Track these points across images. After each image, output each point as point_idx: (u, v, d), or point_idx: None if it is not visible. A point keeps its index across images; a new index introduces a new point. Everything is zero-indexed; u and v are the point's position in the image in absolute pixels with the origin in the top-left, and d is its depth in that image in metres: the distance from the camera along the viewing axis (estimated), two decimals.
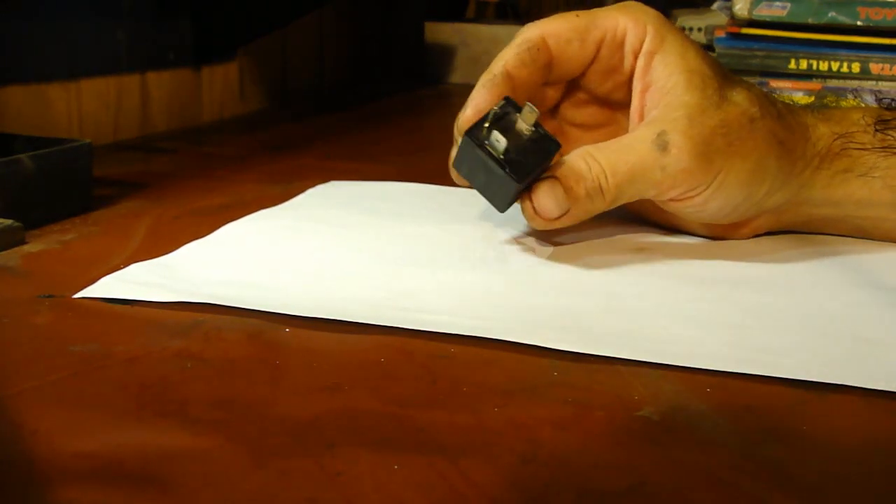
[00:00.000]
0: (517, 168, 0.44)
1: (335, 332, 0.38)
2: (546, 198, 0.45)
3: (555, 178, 0.45)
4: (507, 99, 0.45)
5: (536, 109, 0.44)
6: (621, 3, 0.49)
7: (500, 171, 0.44)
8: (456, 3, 1.38)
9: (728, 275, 0.46)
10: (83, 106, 0.75)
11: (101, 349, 0.36)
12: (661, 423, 0.31)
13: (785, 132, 0.47)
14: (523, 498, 0.27)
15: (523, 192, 0.46)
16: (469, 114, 0.46)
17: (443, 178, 0.62)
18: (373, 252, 0.48)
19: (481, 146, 0.44)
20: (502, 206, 0.47)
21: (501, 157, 0.44)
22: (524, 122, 0.44)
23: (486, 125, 0.44)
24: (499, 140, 0.44)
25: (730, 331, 0.39)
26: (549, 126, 0.50)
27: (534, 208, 0.45)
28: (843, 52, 0.77)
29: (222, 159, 0.73)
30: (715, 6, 0.86)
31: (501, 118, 0.44)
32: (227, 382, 0.34)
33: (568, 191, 0.45)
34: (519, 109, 0.44)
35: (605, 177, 0.45)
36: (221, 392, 0.33)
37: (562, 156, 0.46)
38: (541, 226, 0.46)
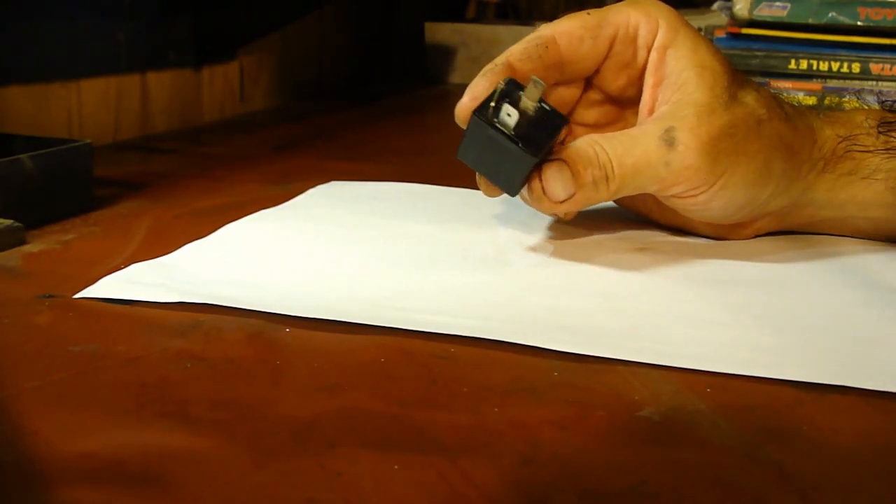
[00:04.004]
0: (530, 142, 0.43)
1: (335, 332, 0.38)
2: (554, 179, 0.45)
3: (563, 160, 0.45)
4: (509, 79, 0.44)
5: (542, 83, 0.43)
6: None
7: (512, 146, 0.43)
8: (456, 3, 1.38)
9: (728, 275, 0.46)
10: (83, 106, 0.75)
11: (101, 349, 0.36)
12: (662, 424, 0.31)
13: (792, 135, 0.47)
14: (523, 498, 0.27)
15: (533, 171, 0.45)
16: (466, 101, 0.45)
17: (443, 179, 0.62)
18: (373, 252, 0.48)
19: (491, 124, 0.43)
20: (513, 188, 0.46)
21: (513, 132, 0.43)
22: (529, 99, 0.43)
23: (493, 104, 0.43)
24: (510, 114, 0.43)
25: (729, 331, 0.39)
26: None
27: (543, 188, 0.45)
28: (843, 53, 0.77)
29: (222, 159, 0.73)
30: (715, 6, 0.86)
31: (507, 95, 0.43)
32: (227, 382, 0.34)
33: (575, 175, 0.45)
34: (522, 88, 0.43)
35: (612, 167, 0.45)
36: (221, 392, 0.33)
37: (569, 134, 0.45)
38: (546, 208, 0.46)
